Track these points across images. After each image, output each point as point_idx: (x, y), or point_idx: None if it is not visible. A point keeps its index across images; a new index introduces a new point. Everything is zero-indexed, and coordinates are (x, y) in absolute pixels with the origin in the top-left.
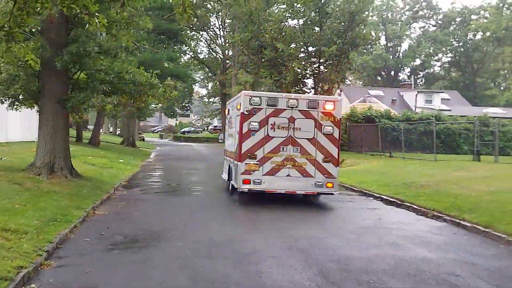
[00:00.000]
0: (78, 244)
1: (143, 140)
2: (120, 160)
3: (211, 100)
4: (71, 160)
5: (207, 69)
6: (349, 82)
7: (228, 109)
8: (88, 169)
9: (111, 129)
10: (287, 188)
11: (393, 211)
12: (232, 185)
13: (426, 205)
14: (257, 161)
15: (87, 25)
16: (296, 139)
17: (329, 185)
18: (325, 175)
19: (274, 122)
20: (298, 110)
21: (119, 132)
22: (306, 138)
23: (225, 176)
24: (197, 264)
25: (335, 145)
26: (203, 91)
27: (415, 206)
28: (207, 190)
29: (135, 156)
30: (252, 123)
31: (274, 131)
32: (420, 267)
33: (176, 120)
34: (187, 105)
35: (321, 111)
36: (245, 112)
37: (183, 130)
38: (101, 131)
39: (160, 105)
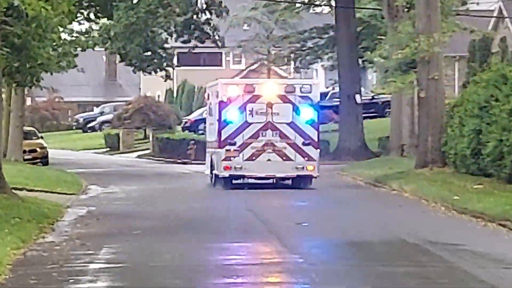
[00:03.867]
0: None
1: (44, 160)
2: None
3: None
4: None
5: None
6: None
7: (208, 95)
8: None
9: None
10: (268, 173)
11: None
12: (215, 175)
13: None
14: (237, 147)
15: None
16: (275, 124)
17: (310, 168)
18: (306, 158)
19: (252, 108)
20: (276, 95)
21: None
22: (285, 123)
23: (207, 171)
24: None
25: (315, 128)
26: None
27: None
28: None
29: None
30: (230, 110)
31: (252, 117)
32: None
33: (166, 77)
34: (204, 24)
35: (298, 95)
36: (223, 100)
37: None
38: None
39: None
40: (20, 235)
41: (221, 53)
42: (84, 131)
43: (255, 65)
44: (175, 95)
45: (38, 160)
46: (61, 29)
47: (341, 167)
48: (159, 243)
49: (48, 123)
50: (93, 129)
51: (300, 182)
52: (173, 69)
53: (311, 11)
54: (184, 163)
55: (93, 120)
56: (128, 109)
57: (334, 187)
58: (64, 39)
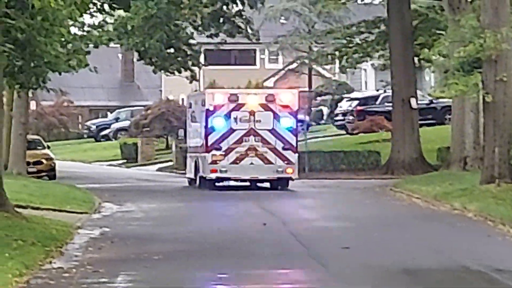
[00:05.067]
0: None
1: (51, 173)
2: None
3: None
4: None
5: None
6: None
7: (190, 103)
8: None
9: None
10: (251, 175)
11: None
12: (201, 177)
13: None
14: (222, 152)
15: None
16: (257, 130)
17: (289, 170)
18: (285, 162)
19: (236, 116)
20: (258, 103)
21: None
22: (267, 129)
23: (190, 174)
24: None
25: (293, 134)
26: None
27: None
28: None
29: None
30: (216, 117)
31: (236, 124)
32: None
33: (191, 78)
34: (235, 17)
35: (279, 103)
36: (210, 108)
37: None
38: None
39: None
40: (24, 260)
41: (255, 50)
42: (96, 140)
43: (294, 64)
44: None
45: (44, 174)
46: (71, 22)
47: (394, 182)
48: (183, 270)
49: (55, 131)
50: (107, 137)
51: (278, 184)
52: (200, 68)
53: (359, 2)
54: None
55: (107, 128)
56: (147, 115)
57: (386, 206)
58: (74, 33)
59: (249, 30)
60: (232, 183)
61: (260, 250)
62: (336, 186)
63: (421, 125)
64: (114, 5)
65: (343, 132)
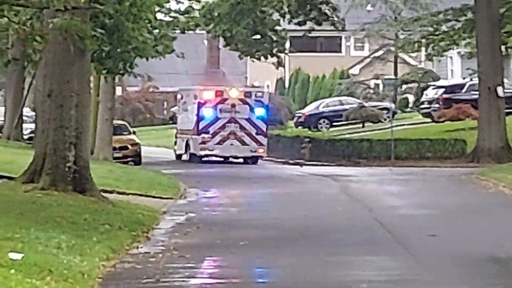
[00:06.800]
0: None
1: (137, 159)
2: None
3: None
4: None
5: None
6: None
7: (182, 95)
8: None
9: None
10: (231, 154)
11: None
12: (191, 153)
13: None
14: (210, 135)
15: None
16: (236, 119)
17: (261, 150)
18: (257, 144)
19: (221, 108)
20: (238, 98)
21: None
22: (244, 118)
23: (180, 151)
24: None
25: (264, 123)
26: None
27: None
28: None
29: None
30: (206, 108)
31: (221, 113)
32: None
33: (278, 64)
34: (322, 4)
35: (254, 99)
36: (201, 101)
37: None
38: None
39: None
40: (111, 244)
41: (340, 37)
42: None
43: (380, 52)
44: (287, 85)
45: (129, 159)
46: (157, 8)
47: (479, 170)
48: (269, 256)
49: (140, 117)
50: None
51: (250, 161)
52: (286, 55)
53: None
54: (297, 164)
55: None
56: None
57: (472, 194)
58: (161, 19)
59: (335, 18)
60: (213, 158)
61: (346, 236)
62: (421, 173)
63: (507, 114)
64: None
65: (429, 120)
